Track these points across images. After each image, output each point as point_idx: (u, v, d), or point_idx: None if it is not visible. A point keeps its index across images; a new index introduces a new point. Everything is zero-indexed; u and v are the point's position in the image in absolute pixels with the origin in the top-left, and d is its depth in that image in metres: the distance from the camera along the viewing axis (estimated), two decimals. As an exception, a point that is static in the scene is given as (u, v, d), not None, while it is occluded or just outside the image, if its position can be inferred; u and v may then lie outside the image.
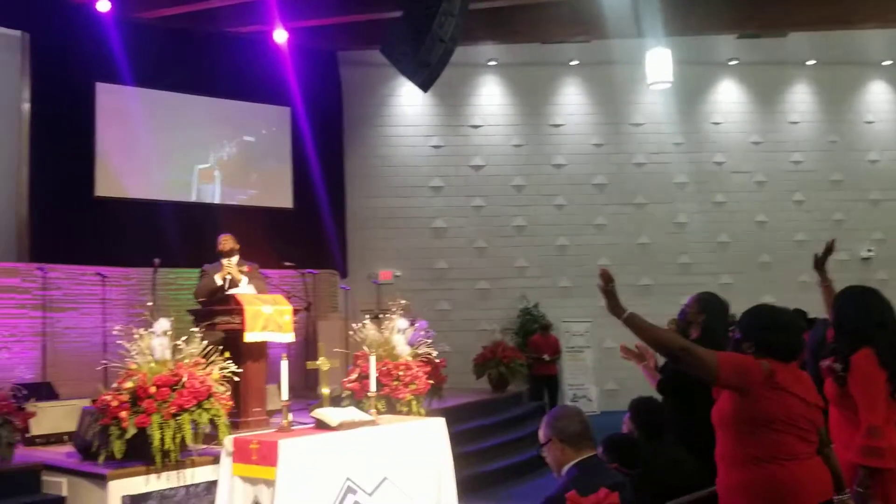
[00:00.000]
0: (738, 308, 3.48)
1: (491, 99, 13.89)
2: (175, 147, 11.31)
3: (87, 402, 5.99)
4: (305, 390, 8.44)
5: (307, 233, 11.93)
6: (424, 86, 8.60)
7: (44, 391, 7.87)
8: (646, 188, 13.94)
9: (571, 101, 14.07)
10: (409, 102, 13.47)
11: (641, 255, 13.66)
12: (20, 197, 10.14)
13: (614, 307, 2.94)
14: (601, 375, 13.16)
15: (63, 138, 10.23)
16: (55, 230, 9.94)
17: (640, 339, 2.99)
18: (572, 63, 13.91)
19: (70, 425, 6.29)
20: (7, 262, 9.56)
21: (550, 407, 11.16)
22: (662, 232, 13.90)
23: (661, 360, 3.68)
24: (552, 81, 14.03)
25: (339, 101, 13.04)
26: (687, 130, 14.14)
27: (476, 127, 13.76)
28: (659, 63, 11.33)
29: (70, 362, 9.16)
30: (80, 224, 10.07)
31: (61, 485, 5.42)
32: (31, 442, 6.24)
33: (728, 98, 14.44)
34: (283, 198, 12.16)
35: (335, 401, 6.25)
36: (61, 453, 5.89)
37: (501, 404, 10.36)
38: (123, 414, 5.08)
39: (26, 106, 10.21)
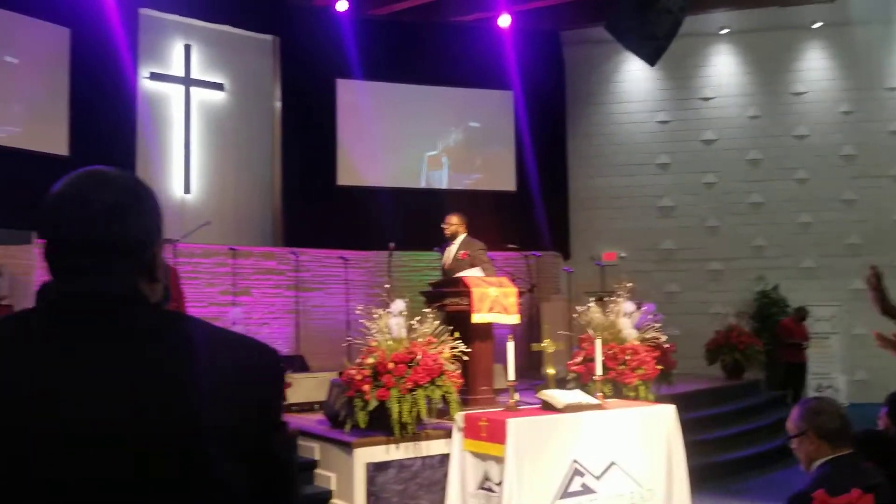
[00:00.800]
0: None
1: (723, 69, 13.12)
2: (406, 136, 11.91)
3: (334, 375, 6.52)
4: (530, 370, 8.56)
5: (530, 215, 12.04)
6: (651, 60, 8.32)
7: (297, 363, 8.68)
8: (905, 158, 12.48)
9: (814, 67, 12.92)
10: (634, 78, 13.10)
11: (899, 233, 12.27)
12: (274, 188, 11.23)
13: (887, 308, 2.69)
14: (850, 364, 12.04)
15: (309, 133, 11.18)
16: (304, 217, 10.91)
17: None
18: (815, 25, 12.74)
19: (320, 395, 6.89)
20: (265, 247, 10.65)
21: (795, 397, 10.44)
22: (925, 206, 12.38)
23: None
24: (792, 46, 12.96)
25: (562, 81, 12.97)
26: (957, 91, 12.45)
27: (707, 99, 13.08)
28: (921, 17, 10.07)
29: (319, 338, 10.02)
30: (324, 211, 10.94)
31: (314, 449, 5.97)
32: (288, 409, 6.90)
33: None
34: (506, 181, 12.37)
35: (560, 383, 6.29)
36: (313, 420, 6.47)
37: (737, 392, 9.84)
38: (366, 387, 5.47)
39: (278, 105, 11.26)
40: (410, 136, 11.97)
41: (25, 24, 9.18)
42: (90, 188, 1.12)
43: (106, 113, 9.31)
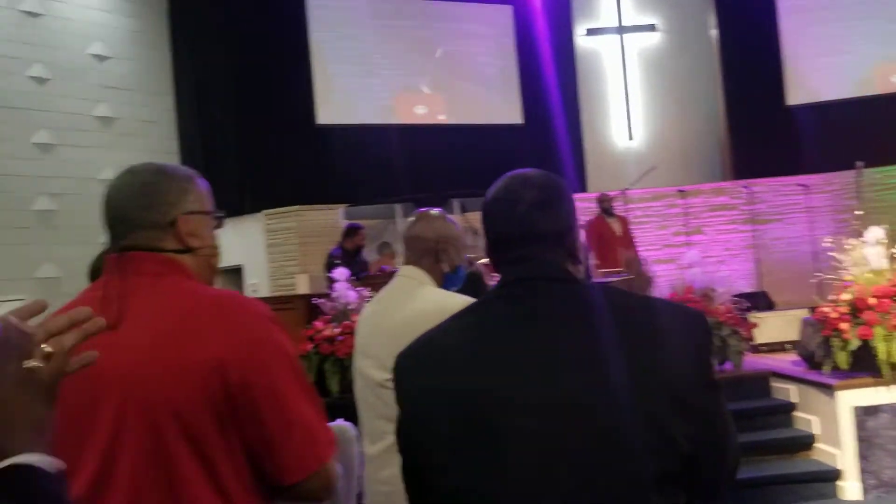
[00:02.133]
0: None
1: None
2: (862, 35, 10.38)
3: (804, 313, 6.11)
4: None
5: None
6: None
7: (762, 301, 8.31)
8: None
9: None
10: None
11: None
12: (718, 120, 10.84)
13: None
14: None
15: (751, 54, 10.49)
16: (752, 145, 10.32)
17: None
18: None
19: (790, 334, 6.51)
20: (714, 182, 10.37)
21: None
22: None
23: None
24: None
25: None
26: None
27: None
28: None
29: (781, 272, 9.45)
30: (775, 136, 10.22)
31: (789, 391, 5.69)
32: (756, 350, 6.66)
33: None
34: None
35: None
36: (786, 361, 6.16)
37: None
38: (844, 326, 5.02)
39: (714, 32, 10.80)
40: (868, 35, 10.41)
41: (473, 10, 10.24)
42: (516, 190, 1.28)
43: (550, 78, 9.94)
